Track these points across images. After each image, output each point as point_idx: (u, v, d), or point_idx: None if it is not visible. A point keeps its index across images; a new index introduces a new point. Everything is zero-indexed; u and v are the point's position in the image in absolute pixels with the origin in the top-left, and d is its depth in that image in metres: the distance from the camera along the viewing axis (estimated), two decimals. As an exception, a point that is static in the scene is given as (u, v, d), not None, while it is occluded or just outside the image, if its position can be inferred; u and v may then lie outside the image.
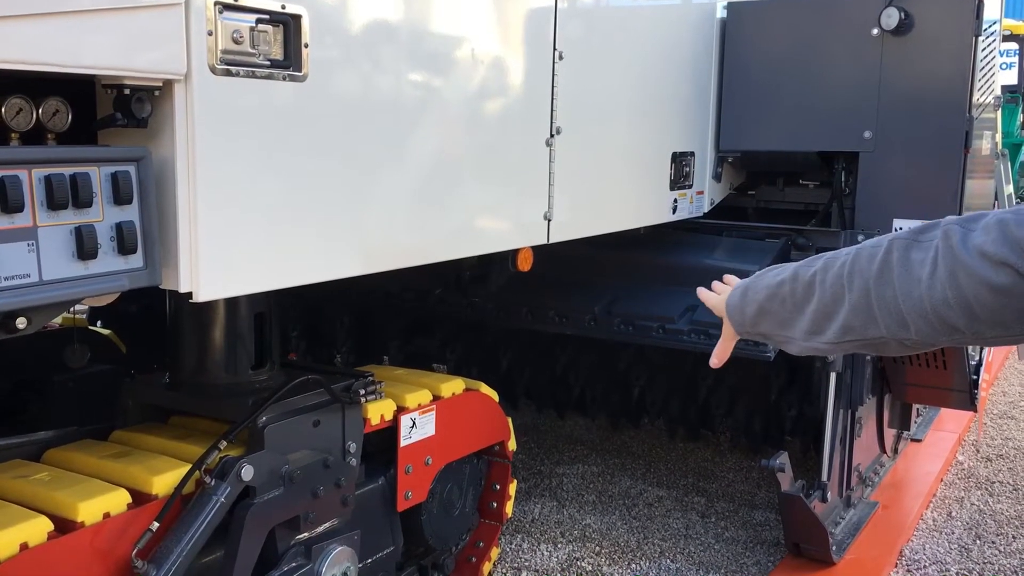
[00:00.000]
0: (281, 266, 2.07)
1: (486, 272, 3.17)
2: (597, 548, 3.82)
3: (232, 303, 2.57)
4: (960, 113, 3.50)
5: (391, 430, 2.82)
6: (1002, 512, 4.29)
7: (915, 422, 5.07)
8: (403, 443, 2.84)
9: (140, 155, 1.77)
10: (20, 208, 1.59)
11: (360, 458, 2.70)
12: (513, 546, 3.82)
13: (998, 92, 4.18)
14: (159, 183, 1.81)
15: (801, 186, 4.25)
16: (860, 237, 3.61)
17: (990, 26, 3.65)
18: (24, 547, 1.92)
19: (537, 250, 3.02)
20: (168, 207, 1.83)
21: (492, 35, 2.61)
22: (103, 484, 2.17)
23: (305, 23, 2.01)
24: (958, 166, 3.52)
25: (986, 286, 1.24)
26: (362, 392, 2.68)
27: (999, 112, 4.48)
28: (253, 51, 1.92)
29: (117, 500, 2.13)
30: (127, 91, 1.73)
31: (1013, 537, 4.03)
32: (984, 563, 3.79)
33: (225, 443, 2.34)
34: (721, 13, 3.85)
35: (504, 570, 3.62)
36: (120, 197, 1.72)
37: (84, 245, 1.67)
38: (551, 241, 2.97)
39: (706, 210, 3.94)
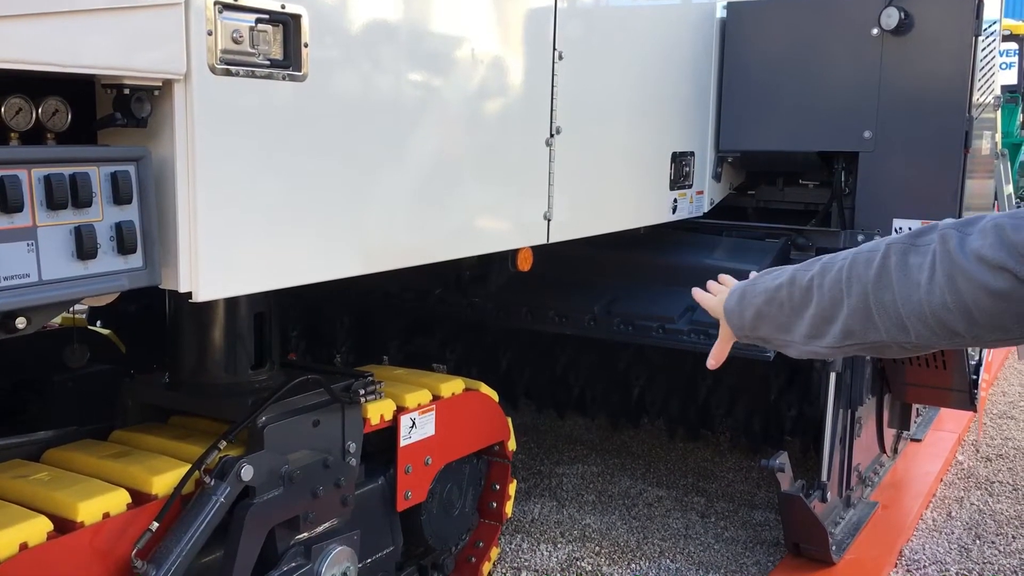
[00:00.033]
0: (281, 266, 2.07)
1: (486, 272, 3.17)
2: (597, 548, 3.82)
3: (232, 303, 2.57)
4: (960, 113, 3.50)
5: (391, 430, 2.82)
6: (1002, 512, 4.29)
7: (915, 422, 5.07)
8: (403, 443, 2.83)
9: (140, 155, 1.77)
10: (20, 208, 1.59)
11: (360, 458, 2.70)
12: (513, 546, 3.82)
13: (998, 92, 4.18)
14: (159, 183, 1.81)
15: (801, 186, 4.25)
16: (860, 237, 3.61)
17: (990, 26, 3.65)
18: (24, 547, 1.92)
19: (537, 250, 3.02)
20: (168, 207, 1.83)
21: (492, 35, 2.61)
22: (103, 484, 2.17)
23: (305, 23, 2.01)
24: (958, 166, 3.52)
25: (984, 290, 1.24)
26: (362, 392, 2.68)
27: (999, 112, 4.48)
28: (253, 51, 1.92)
29: (117, 500, 2.12)
30: (127, 91, 1.73)
31: (1013, 537, 4.03)
32: (984, 563, 3.79)
33: (225, 443, 2.34)
34: (721, 13, 3.85)
35: (504, 570, 3.62)
36: (120, 197, 1.72)
37: (84, 245, 1.67)
38: (551, 241, 2.97)
39: (706, 210, 3.94)
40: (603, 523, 4.05)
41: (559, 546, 3.83)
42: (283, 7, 1.97)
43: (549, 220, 2.93)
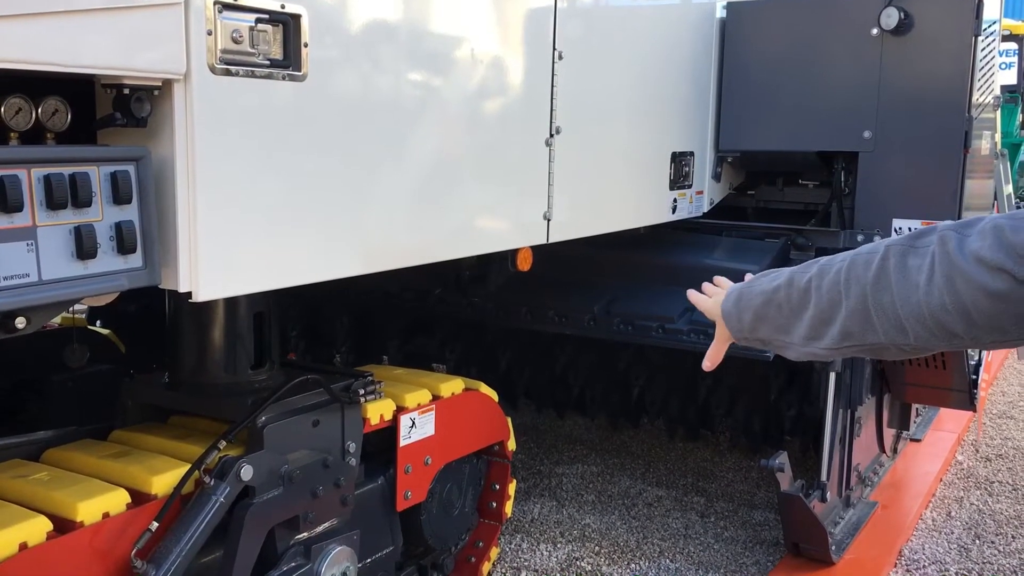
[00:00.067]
0: (280, 266, 2.07)
1: (486, 272, 3.17)
2: (596, 548, 3.82)
3: (231, 303, 2.57)
4: (959, 113, 3.50)
5: (390, 430, 2.82)
6: (1001, 512, 4.29)
7: (914, 422, 5.07)
8: (402, 443, 2.83)
9: (139, 155, 1.77)
10: (19, 208, 1.59)
11: (359, 458, 2.70)
12: (512, 546, 3.82)
13: (997, 92, 4.18)
14: (158, 183, 1.81)
15: (801, 186, 4.26)
16: (859, 237, 3.62)
17: (989, 26, 3.65)
18: (23, 547, 1.92)
19: (536, 250, 3.02)
20: (167, 207, 1.83)
21: (492, 35, 2.61)
22: (102, 484, 2.17)
23: (304, 23, 2.01)
24: (957, 166, 3.52)
25: (983, 292, 1.24)
26: (361, 392, 2.68)
27: (998, 112, 4.48)
28: (253, 51, 1.92)
29: (116, 500, 2.12)
30: (126, 91, 1.73)
31: (1012, 537, 4.03)
32: (983, 563, 3.79)
33: (224, 443, 2.34)
34: (720, 13, 3.85)
35: (503, 570, 3.62)
36: (119, 197, 1.72)
37: (83, 245, 1.67)
38: (550, 241, 2.97)
39: (705, 210, 3.94)
40: (603, 523, 4.05)
41: (559, 546, 3.83)
42: (283, 7, 1.97)
43: (549, 220, 2.93)
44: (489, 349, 4.82)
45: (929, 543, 3.96)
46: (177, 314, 2.61)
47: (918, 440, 5.09)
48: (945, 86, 3.52)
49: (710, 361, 1.79)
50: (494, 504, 3.36)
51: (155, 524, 2.15)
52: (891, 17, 3.51)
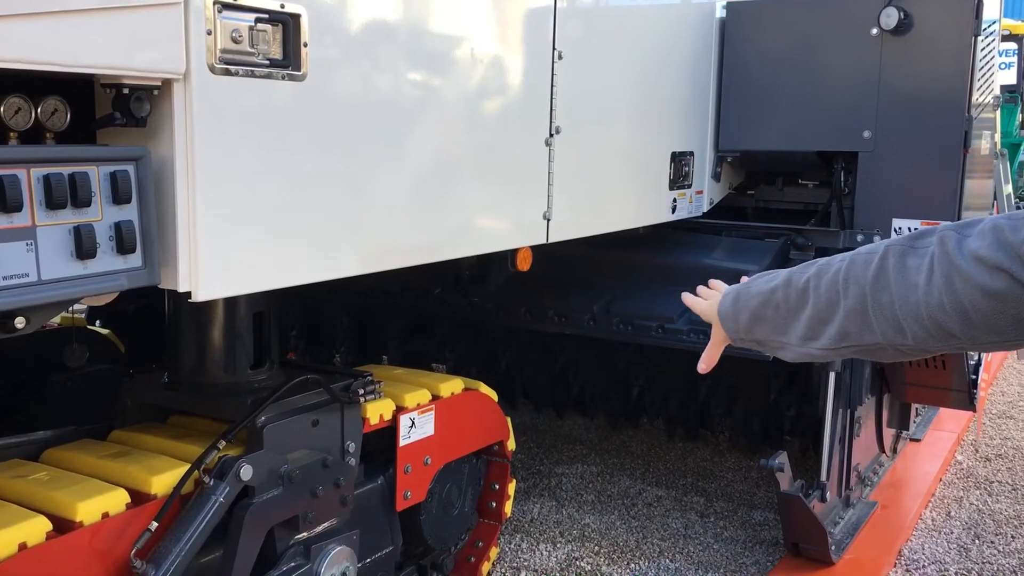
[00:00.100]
0: (280, 265, 2.07)
1: (485, 272, 3.17)
2: (596, 548, 3.82)
3: (231, 302, 2.57)
4: (959, 113, 3.50)
5: (390, 430, 2.82)
6: (1001, 512, 4.29)
7: (914, 422, 5.07)
8: (402, 443, 2.83)
9: (139, 154, 1.77)
10: (19, 207, 1.59)
11: (359, 458, 2.70)
12: (512, 546, 3.82)
13: (997, 92, 4.18)
14: (158, 182, 1.81)
15: (800, 186, 4.26)
16: (859, 237, 3.62)
17: (989, 26, 3.65)
18: (23, 547, 1.92)
19: (536, 250, 3.02)
20: (167, 206, 1.83)
21: (491, 35, 2.61)
22: (102, 484, 2.17)
23: (304, 22, 2.01)
24: (957, 166, 3.52)
25: (981, 291, 1.24)
26: (361, 392, 2.68)
27: (998, 112, 4.48)
28: (252, 50, 1.91)
29: (116, 500, 2.12)
30: (126, 90, 1.73)
31: (1012, 537, 4.03)
32: (983, 563, 3.79)
33: (224, 443, 2.34)
34: (720, 13, 3.85)
35: (503, 570, 3.62)
36: (119, 196, 1.72)
37: (83, 245, 1.67)
38: (550, 241, 2.97)
39: (705, 210, 3.94)
40: (602, 523, 4.05)
41: (558, 546, 3.83)
42: (282, 6, 1.96)
43: (548, 220, 2.93)
44: (489, 349, 4.82)
45: (929, 543, 3.96)
46: (176, 314, 2.61)
47: (918, 440, 5.09)
48: (945, 86, 3.52)
49: (705, 364, 1.78)
50: (494, 504, 3.36)
51: (154, 524, 2.15)
52: (891, 17, 3.51)
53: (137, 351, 3.63)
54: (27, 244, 1.61)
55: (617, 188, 3.32)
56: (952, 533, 4.06)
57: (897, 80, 3.58)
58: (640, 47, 3.33)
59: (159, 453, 2.38)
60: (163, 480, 2.23)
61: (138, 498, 2.19)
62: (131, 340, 3.69)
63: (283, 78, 1.99)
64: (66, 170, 1.66)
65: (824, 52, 3.72)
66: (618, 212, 3.37)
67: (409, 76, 2.35)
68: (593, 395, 4.79)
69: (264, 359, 2.66)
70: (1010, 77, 12.28)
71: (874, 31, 3.58)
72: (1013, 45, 12.44)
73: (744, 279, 1.69)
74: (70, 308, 2.09)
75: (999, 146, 4.78)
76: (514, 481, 3.42)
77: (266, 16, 1.94)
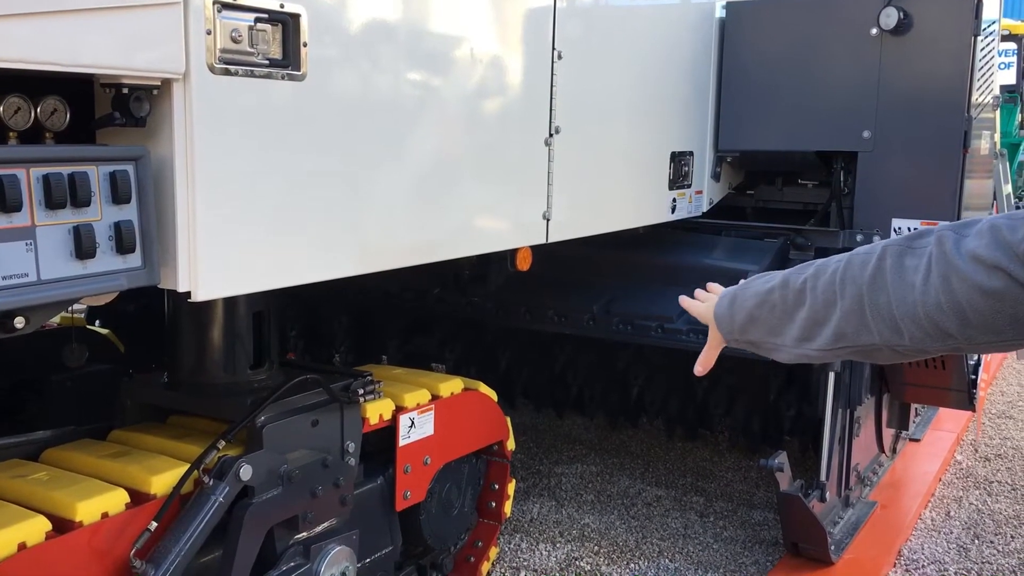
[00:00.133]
0: (280, 265, 2.07)
1: (485, 272, 3.17)
2: (596, 548, 3.82)
3: (230, 302, 2.57)
4: (959, 113, 3.51)
5: (390, 430, 2.82)
6: (1000, 512, 4.29)
7: (913, 422, 5.07)
8: (402, 443, 2.83)
9: (138, 154, 1.77)
10: (18, 207, 1.59)
11: (359, 458, 2.70)
12: (512, 546, 3.82)
13: (996, 92, 4.19)
14: (157, 182, 1.81)
15: (800, 186, 4.26)
16: (859, 237, 3.62)
17: (989, 26, 3.65)
18: (22, 547, 1.92)
19: (536, 250, 3.02)
20: (167, 206, 1.82)
21: (491, 35, 2.61)
22: (101, 484, 2.16)
23: (304, 22, 2.01)
24: (957, 166, 3.52)
25: (978, 290, 1.24)
26: (361, 392, 2.67)
27: (997, 112, 4.48)
28: (252, 50, 1.91)
29: (115, 500, 2.12)
30: (125, 90, 1.73)
31: (1011, 537, 4.03)
32: (982, 563, 3.79)
33: (224, 443, 2.34)
34: (720, 13, 3.85)
35: (503, 570, 3.62)
36: (118, 196, 1.72)
37: (82, 244, 1.67)
38: (550, 241, 2.97)
39: (705, 210, 3.94)
40: (602, 523, 4.05)
41: (558, 546, 3.83)
42: (282, 6, 1.96)
43: (548, 220, 2.93)
44: (488, 349, 4.82)
45: (928, 543, 3.96)
46: (176, 314, 2.61)
47: (917, 440, 5.09)
48: (944, 86, 3.52)
49: (702, 367, 1.78)
50: (493, 504, 3.36)
51: (154, 524, 2.15)
52: (890, 17, 3.52)
53: (137, 351, 3.63)
54: (26, 244, 1.61)
55: (617, 188, 3.32)
56: (952, 533, 4.06)
57: (897, 80, 3.58)
58: (640, 47, 3.33)
59: (159, 453, 2.38)
60: (163, 480, 2.23)
61: (138, 498, 2.19)
62: (131, 340, 3.69)
63: (283, 78, 1.99)
64: (65, 170, 1.66)
65: (824, 52, 3.72)
66: (618, 212, 3.37)
67: (409, 76, 2.35)
68: (593, 395, 4.79)
69: (264, 359, 2.66)
70: (1009, 77, 12.29)
71: (874, 31, 3.58)
72: (1012, 45, 12.45)
73: (743, 281, 1.69)
74: (70, 308, 2.09)
75: (999, 146, 4.79)
76: (514, 481, 3.42)
77: (266, 16, 1.94)
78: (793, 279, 1.52)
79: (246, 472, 2.31)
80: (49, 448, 2.43)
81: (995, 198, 5.34)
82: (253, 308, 2.62)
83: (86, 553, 2.05)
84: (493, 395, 3.24)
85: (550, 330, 3.93)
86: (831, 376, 3.60)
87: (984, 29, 3.53)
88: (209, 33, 1.81)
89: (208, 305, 2.55)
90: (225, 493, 2.27)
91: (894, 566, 3.75)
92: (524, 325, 3.96)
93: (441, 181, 2.50)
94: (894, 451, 4.80)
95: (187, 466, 2.26)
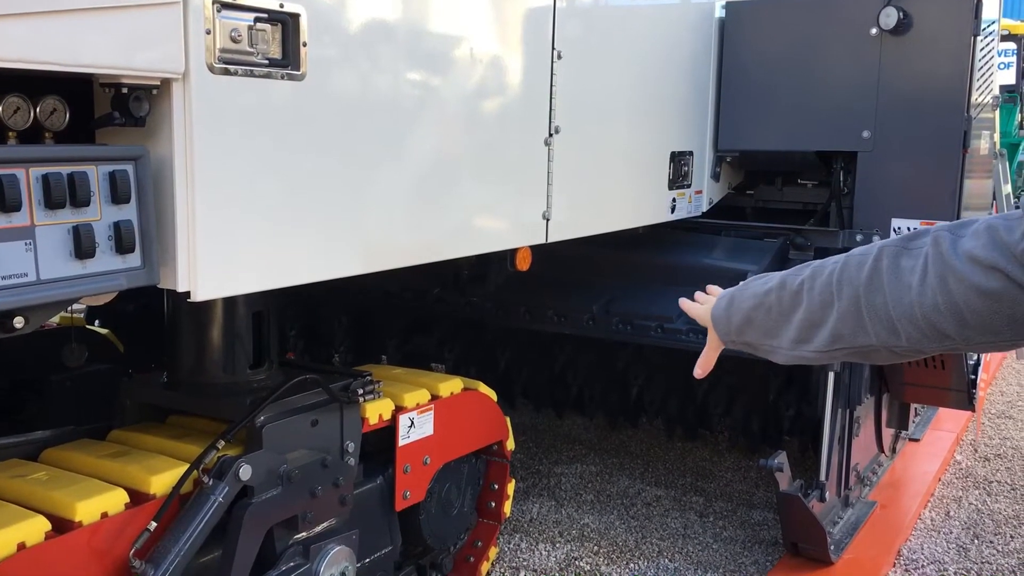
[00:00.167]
0: (279, 265, 2.07)
1: (484, 271, 3.17)
2: (595, 547, 3.82)
3: (230, 302, 2.57)
4: (958, 113, 3.51)
5: (389, 429, 2.82)
6: (1000, 512, 4.30)
7: (913, 422, 5.07)
8: (401, 442, 2.83)
9: (138, 154, 1.77)
10: (17, 207, 1.59)
11: (358, 457, 2.69)
12: (511, 545, 3.82)
13: (996, 92, 4.19)
14: (157, 182, 1.81)
15: (799, 186, 4.26)
16: (858, 237, 3.62)
17: (988, 26, 3.65)
18: (22, 547, 1.92)
19: (535, 249, 3.02)
20: (166, 206, 1.82)
21: (491, 34, 2.61)
22: (101, 484, 2.16)
23: (303, 22, 2.01)
24: (956, 166, 3.52)
25: (976, 291, 1.23)
26: (360, 391, 2.67)
27: (997, 112, 4.48)
28: (251, 50, 1.91)
29: (115, 500, 2.12)
30: (125, 90, 1.73)
31: (1011, 536, 4.04)
32: (982, 562, 3.79)
33: (223, 443, 2.34)
34: (720, 13, 3.85)
35: (502, 569, 3.62)
36: (118, 196, 1.72)
37: (82, 244, 1.67)
38: (549, 240, 2.96)
39: (704, 209, 3.94)
40: (601, 523, 4.05)
41: (557, 545, 3.83)
42: (281, 6, 1.96)
43: (548, 220, 2.93)
44: (488, 349, 4.82)
45: (928, 543, 3.96)
46: (176, 314, 2.61)
47: (917, 440, 5.09)
48: (944, 86, 3.52)
49: (701, 369, 1.78)
50: (493, 504, 3.36)
51: (153, 524, 2.15)
52: (890, 17, 3.52)
53: (136, 351, 3.63)
54: (26, 244, 1.61)
55: (616, 188, 3.32)
56: (951, 533, 4.06)
57: (896, 80, 3.58)
58: (639, 47, 3.33)
59: (158, 453, 2.38)
60: (162, 480, 2.23)
61: (137, 498, 2.19)
62: (130, 340, 3.69)
63: (282, 78, 1.99)
64: (65, 170, 1.66)
65: (823, 52, 3.72)
66: (617, 212, 3.37)
67: (408, 76, 2.35)
68: (592, 395, 4.79)
69: (263, 359, 2.66)
70: (1009, 77, 12.31)
71: (873, 31, 3.58)
72: (1012, 45, 12.46)
73: (742, 283, 1.69)
74: (69, 308, 2.09)
75: (998, 146, 4.79)
76: (513, 481, 3.42)
77: (265, 16, 1.94)
78: (790, 281, 1.52)
79: (245, 472, 2.31)
80: (48, 448, 2.43)
81: (994, 198, 5.34)
82: (252, 308, 2.61)
83: (85, 553, 2.05)
84: (493, 395, 3.24)
85: (550, 330, 3.93)
86: (831, 376, 3.60)
87: (984, 29, 3.53)
88: (209, 33, 1.81)
89: (207, 305, 2.55)
90: (224, 493, 2.27)
91: (893, 566, 3.75)
92: (524, 325, 3.97)
93: (441, 181, 2.50)
94: (894, 451, 4.80)
95: (186, 466, 2.26)
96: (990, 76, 3.93)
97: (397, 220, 2.37)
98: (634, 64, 3.31)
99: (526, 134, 2.80)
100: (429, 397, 2.95)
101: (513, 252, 2.97)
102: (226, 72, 1.86)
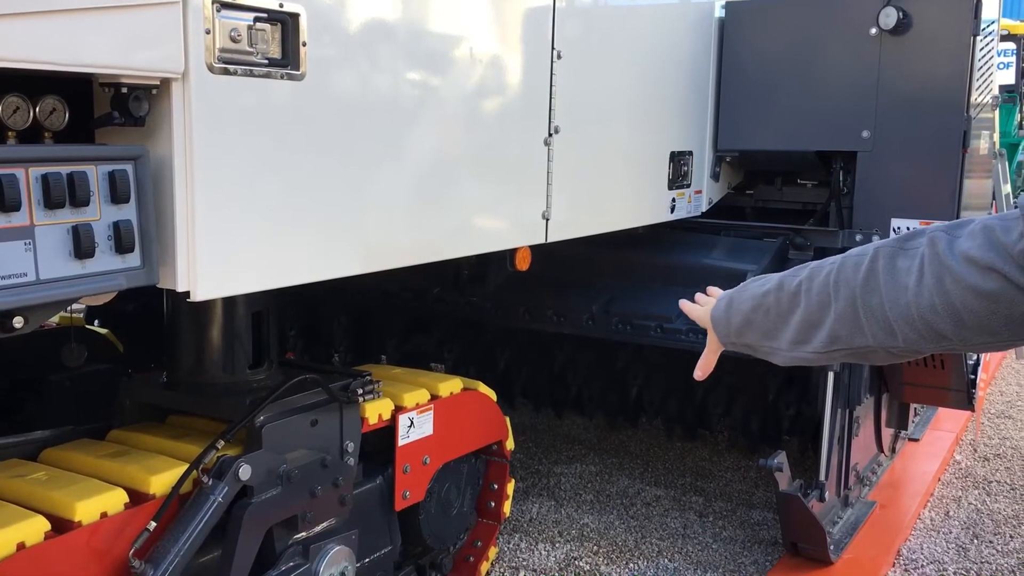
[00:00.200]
0: (279, 265, 2.07)
1: (484, 271, 3.17)
2: (595, 547, 3.82)
3: (230, 302, 2.57)
4: (958, 113, 3.51)
5: (389, 429, 2.82)
6: (999, 511, 4.30)
7: (913, 421, 5.07)
8: (401, 442, 2.83)
9: (137, 154, 1.77)
10: (17, 207, 1.59)
11: (358, 457, 2.69)
12: (511, 545, 3.82)
13: (996, 92, 4.19)
14: (156, 182, 1.81)
15: (799, 185, 4.26)
16: (858, 237, 3.62)
17: (988, 26, 3.65)
18: (21, 547, 1.92)
19: (535, 249, 3.02)
20: (166, 206, 1.82)
21: (490, 34, 2.61)
22: (100, 484, 2.16)
23: (303, 21, 2.01)
24: (956, 165, 3.52)
25: (973, 292, 1.23)
26: (360, 391, 2.67)
27: (996, 112, 4.48)
28: (251, 50, 1.91)
29: (114, 500, 2.12)
30: (124, 90, 1.73)
31: (1010, 536, 4.04)
32: (981, 562, 3.79)
33: (223, 442, 2.34)
34: (719, 12, 3.85)
35: (502, 569, 3.62)
36: (117, 196, 1.72)
37: (81, 244, 1.67)
38: (549, 240, 2.96)
39: (704, 209, 3.94)
40: (601, 522, 4.05)
41: (557, 545, 3.83)
42: (281, 6, 1.96)
43: (547, 219, 2.93)
44: (487, 348, 4.82)
45: (927, 543, 3.96)
46: (175, 313, 2.61)
47: (916, 440, 5.09)
48: (943, 86, 3.52)
49: (701, 371, 1.78)
50: (492, 503, 3.36)
51: (153, 524, 2.15)
52: (890, 17, 3.52)
53: (136, 351, 3.63)
54: (25, 244, 1.61)
55: (616, 188, 3.32)
56: (951, 533, 4.06)
57: (896, 80, 3.58)
58: (639, 47, 3.33)
59: (158, 453, 2.38)
60: (162, 480, 2.23)
61: (136, 498, 2.19)
62: (130, 340, 3.69)
63: (282, 77, 1.99)
64: (64, 169, 1.65)
65: (823, 52, 3.72)
66: (617, 212, 3.37)
67: (408, 76, 2.35)
68: (592, 395, 4.79)
69: (263, 359, 2.66)
70: (1008, 77, 12.32)
71: (873, 31, 3.58)
72: (1011, 45, 12.46)
73: (741, 285, 1.69)
74: (68, 308, 2.09)
75: (998, 146, 4.79)
76: (513, 481, 3.42)
77: (265, 15, 1.94)
78: (788, 282, 1.52)
79: (245, 472, 2.31)
80: (48, 448, 2.43)
81: (994, 198, 5.34)
82: (252, 308, 2.61)
83: (85, 553, 2.05)
84: (492, 395, 3.24)
85: (549, 330, 3.93)
86: (830, 376, 3.60)
87: (983, 29, 3.53)
88: (208, 32, 1.81)
89: (207, 305, 2.55)
90: (224, 493, 2.26)
91: (893, 566, 3.76)
92: (523, 325, 3.96)
93: (440, 181, 2.50)
94: (893, 451, 4.80)
95: (186, 466, 2.26)
96: (990, 76, 3.93)
97: (397, 220, 2.37)
98: (634, 64, 3.31)
99: (526, 134, 2.80)
100: (429, 397, 2.95)
101: (513, 252, 2.97)
102: (226, 72, 1.86)
